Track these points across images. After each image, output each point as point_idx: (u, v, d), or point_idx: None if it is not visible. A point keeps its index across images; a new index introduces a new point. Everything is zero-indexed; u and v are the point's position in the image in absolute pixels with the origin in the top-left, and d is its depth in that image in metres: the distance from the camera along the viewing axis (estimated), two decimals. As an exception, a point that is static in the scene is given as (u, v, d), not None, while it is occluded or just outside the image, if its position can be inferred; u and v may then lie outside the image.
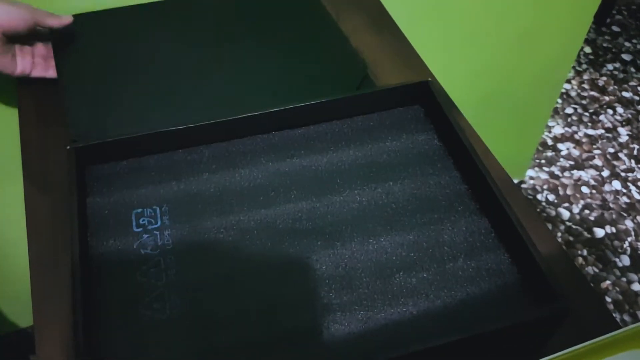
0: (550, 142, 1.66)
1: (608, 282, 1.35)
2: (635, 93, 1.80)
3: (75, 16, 0.67)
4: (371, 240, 0.47)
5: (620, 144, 1.66)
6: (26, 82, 0.65)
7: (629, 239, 1.44)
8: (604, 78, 1.85)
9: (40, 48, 0.65)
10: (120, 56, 0.66)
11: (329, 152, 0.54)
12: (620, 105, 1.76)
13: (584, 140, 1.67)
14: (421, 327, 0.42)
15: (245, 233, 0.47)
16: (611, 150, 1.64)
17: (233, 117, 0.53)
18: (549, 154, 1.64)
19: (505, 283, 0.44)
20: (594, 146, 1.65)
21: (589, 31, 1.93)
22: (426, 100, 0.57)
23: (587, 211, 1.50)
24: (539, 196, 1.53)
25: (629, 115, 1.73)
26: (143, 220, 0.48)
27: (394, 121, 0.57)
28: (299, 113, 0.55)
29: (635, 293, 1.33)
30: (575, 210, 1.50)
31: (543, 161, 1.61)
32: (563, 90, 1.79)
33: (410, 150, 0.54)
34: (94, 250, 0.46)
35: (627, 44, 1.96)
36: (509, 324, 0.39)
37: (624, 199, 1.52)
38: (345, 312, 0.43)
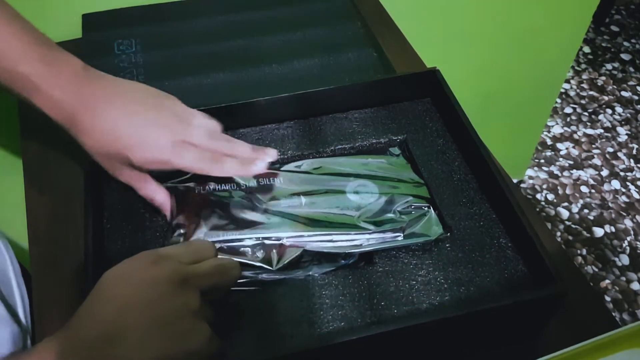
0: (549, 142, 1.66)
1: (607, 281, 1.35)
2: (634, 92, 1.80)
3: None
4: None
5: (619, 144, 1.66)
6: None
7: (628, 238, 1.44)
8: (603, 78, 1.85)
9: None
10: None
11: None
12: (619, 105, 1.76)
13: (583, 139, 1.67)
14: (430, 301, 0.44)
15: None
16: (610, 149, 1.64)
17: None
18: (548, 153, 1.64)
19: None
20: (593, 146, 1.65)
21: (588, 31, 1.93)
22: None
23: (586, 210, 1.50)
24: (538, 196, 1.53)
25: (628, 115, 1.73)
26: None
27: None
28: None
29: (635, 292, 1.33)
30: (575, 209, 1.50)
31: (542, 161, 1.62)
32: (562, 90, 1.79)
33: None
34: None
35: (626, 43, 1.96)
36: (509, 302, 0.40)
37: (623, 198, 1.52)
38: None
